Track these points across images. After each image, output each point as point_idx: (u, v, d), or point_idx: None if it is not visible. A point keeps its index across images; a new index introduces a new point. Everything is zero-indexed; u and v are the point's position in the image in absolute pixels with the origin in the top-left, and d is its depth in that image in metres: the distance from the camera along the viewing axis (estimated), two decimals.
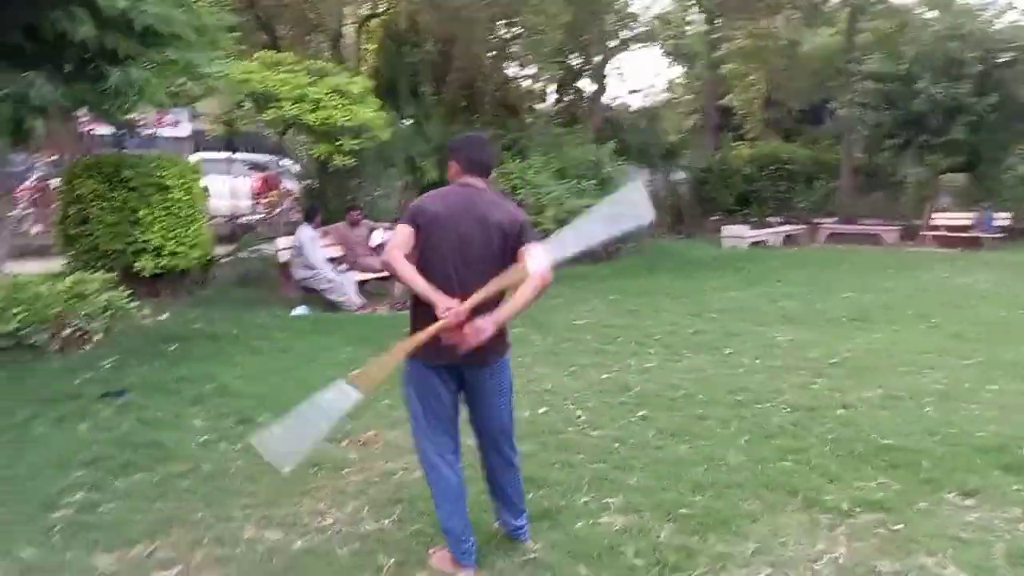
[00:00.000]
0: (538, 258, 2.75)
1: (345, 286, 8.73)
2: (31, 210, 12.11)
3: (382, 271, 9.39)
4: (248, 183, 15.71)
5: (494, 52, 16.38)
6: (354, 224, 9.74)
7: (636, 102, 20.34)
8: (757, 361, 6.29)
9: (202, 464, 3.98)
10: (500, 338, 2.84)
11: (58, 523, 3.25)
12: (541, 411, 4.99)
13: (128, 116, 7.67)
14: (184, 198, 8.46)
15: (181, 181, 8.44)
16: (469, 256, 2.84)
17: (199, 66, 7.74)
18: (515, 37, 18.03)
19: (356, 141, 10.07)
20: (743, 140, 23.20)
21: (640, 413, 4.91)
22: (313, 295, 8.73)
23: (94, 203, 8.06)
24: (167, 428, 4.48)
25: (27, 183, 12.64)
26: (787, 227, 17.54)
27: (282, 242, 9.14)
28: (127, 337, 6.66)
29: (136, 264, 8.12)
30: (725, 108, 24.06)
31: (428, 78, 12.38)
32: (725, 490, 3.67)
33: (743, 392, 5.34)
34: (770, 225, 17.82)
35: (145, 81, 7.25)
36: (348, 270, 9.06)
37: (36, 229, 11.95)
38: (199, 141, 19.88)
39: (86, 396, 5.03)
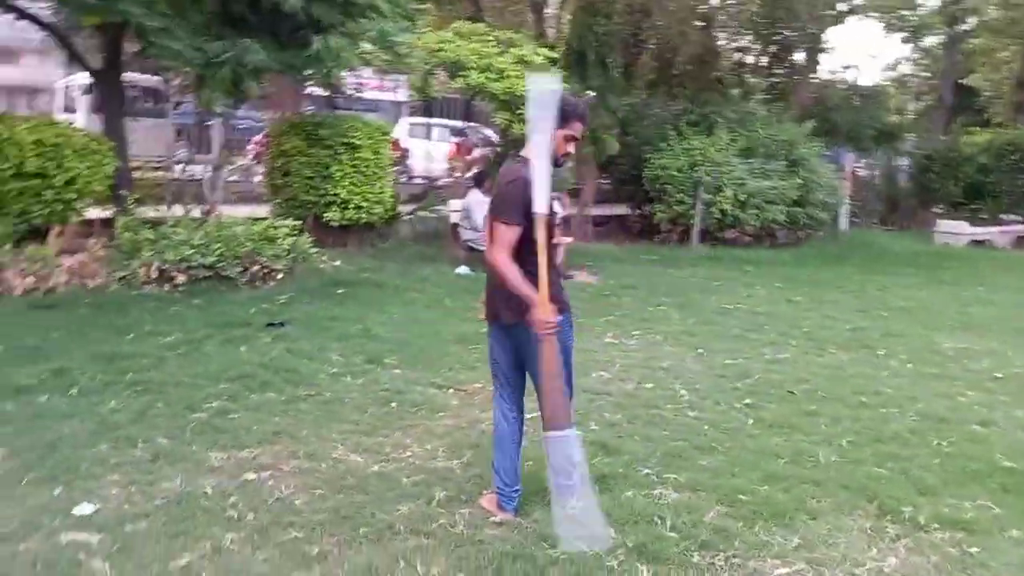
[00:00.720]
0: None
1: None
2: (256, 161, 13.75)
3: None
4: (445, 147, 16.69)
5: (699, 22, 15.95)
6: None
7: (853, 78, 18.68)
8: (908, 366, 5.85)
9: (324, 392, 4.52)
10: (510, 302, 3.01)
11: (193, 423, 3.90)
12: (647, 386, 5.05)
13: (331, 79, 8.44)
14: (371, 157, 9.26)
15: (370, 141, 9.24)
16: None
17: (390, 35, 8.38)
18: (724, 5, 17.41)
19: None
20: (984, 125, 20.71)
21: (747, 401, 4.81)
22: (477, 255, 9.24)
23: (295, 158, 9.07)
24: (307, 358, 5.09)
25: (257, 137, 14.35)
26: (1022, 227, 15.56)
27: (455, 204, 9.71)
28: (305, 278, 7.50)
29: (326, 215, 9.06)
30: (965, 88, 21.61)
31: (617, 49, 12.35)
32: (798, 485, 3.57)
33: (873, 395, 5.04)
34: (1001, 223, 15.90)
35: (341, 48, 7.99)
36: None
37: (258, 178, 13.58)
38: (413, 106, 21.31)
39: (255, 324, 5.82)
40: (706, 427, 4.32)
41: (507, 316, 3.09)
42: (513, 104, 10.32)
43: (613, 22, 12.01)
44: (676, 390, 4.98)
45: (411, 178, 16.06)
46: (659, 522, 3.14)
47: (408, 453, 3.74)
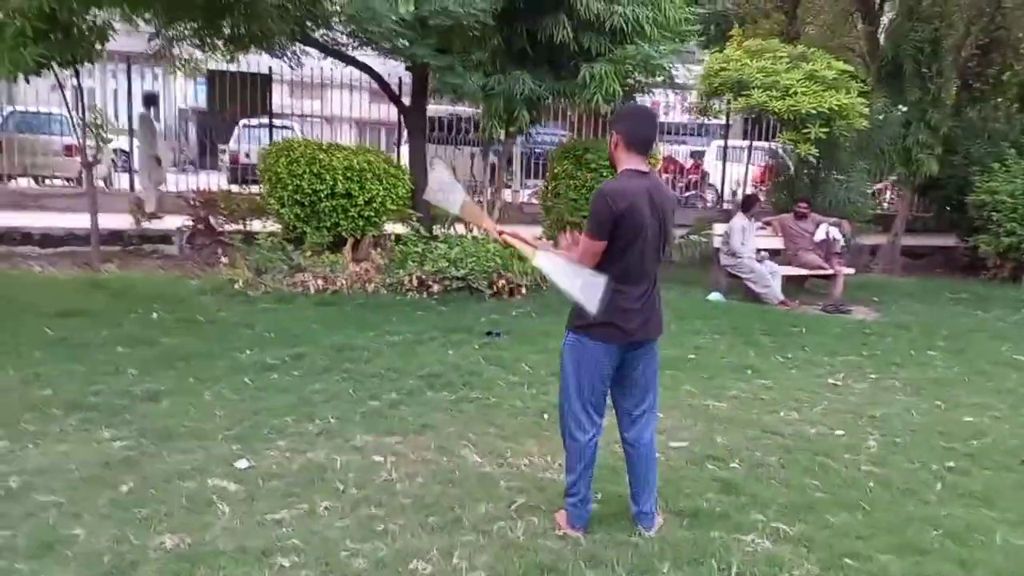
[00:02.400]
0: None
1: (767, 277, 8.67)
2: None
3: (822, 268, 9.03)
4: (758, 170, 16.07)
5: None
6: (800, 216, 9.47)
7: None
8: None
9: (492, 397, 4.89)
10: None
11: (366, 409, 4.53)
12: (837, 432, 4.59)
13: (594, 105, 8.79)
14: None
15: None
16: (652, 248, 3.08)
17: (654, 59, 8.51)
18: None
19: (824, 129, 9.69)
20: None
21: (951, 464, 4.15)
22: (737, 282, 8.91)
23: (563, 180, 9.63)
24: (499, 366, 5.51)
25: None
26: None
27: (718, 228, 9.46)
28: (549, 295, 7.96)
29: None
30: None
31: (940, 58, 10.90)
32: (934, 562, 3.03)
33: None
34: None
35: (605, 74, 8.35)
36: (765, 261, 8.91)
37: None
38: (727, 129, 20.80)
39: (475, 332, 6.40)
40: (872, 484, 3.83)
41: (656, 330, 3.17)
42: (799, 123, 9.77)
43: (936, 26, 10.65)
44: (868, 441, 4.43)
45: (712, 202, 15.80)
46: (723, 569, 2.93)
47: (525, 461, 3.93)
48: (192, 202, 9.05)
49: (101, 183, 13.18)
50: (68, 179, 13.00)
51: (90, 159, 8.67)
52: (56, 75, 8.44)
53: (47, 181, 13.20)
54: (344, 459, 3.82)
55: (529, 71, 8.64)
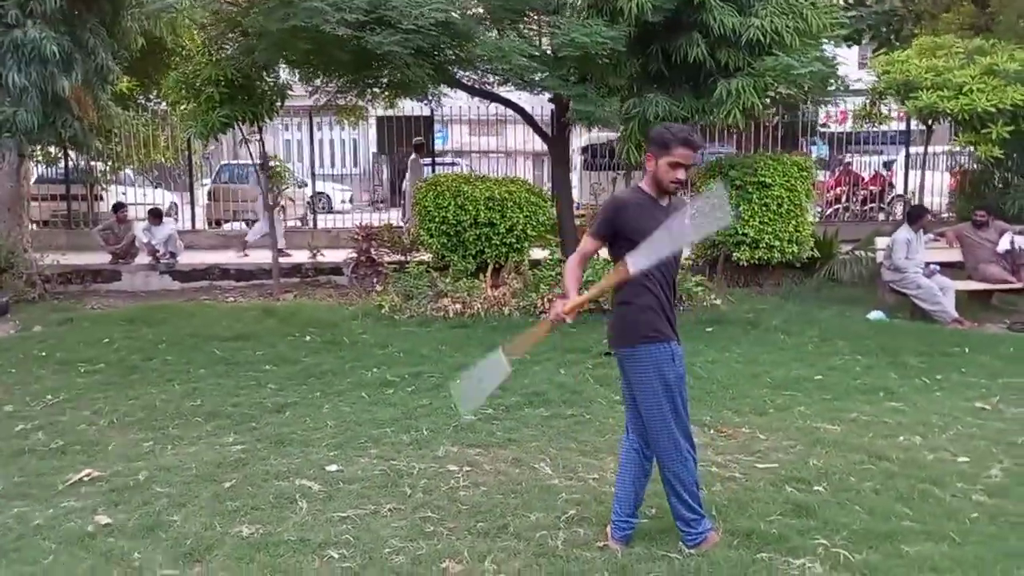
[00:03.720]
0: (636, 261, 2.87)
1: (937, 294, 7.90)
2: None
3: (1007, 281, 8.11)
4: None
5: None
6: (979, 225, 8.56)
7: None
8: None
9: (586, 415, 4.94)
10: (614, 327, 3.13)
11: (463, 424, 4.75)
12: (960, 459, 4.18)
13: (731, 121, 8.56)
14: (785, 195, 9.03)
15: (783, 179, 9.04)
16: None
17: (794, 69, 8.17)
18: None
19: (1009, 128, 8.76)
20: None
21: None
22: (904, 299, 8.21)
23: None
24: (604, 385, 5.53)
25: None
26: None
27: (881, 242, 8.77)
28: (685, 315, 7.81)
29: (735, 254, 9.17)
30: None
31: None
32: None
33: None
34: None
35: (742, 89, 8.14)
36: (935, 275, 8.10)
37: None
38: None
39: (593, 351, 6.44)
40: (976, 515, 3.45)
41: (616, 341, 3.18)
42: (977, 123, 8.90)
43: None
44: (991, 471, 3.97)
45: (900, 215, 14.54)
46: None
47: (595, 475, 3.96)
48: (356, 236, 9.89)
49: (298, 222, 14.79)
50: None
51: (271, 203, 9.80)
52: (242, 131, 9.68)
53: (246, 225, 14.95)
54: (422, 467, 4.07)
55: (667, 92, 8.61)
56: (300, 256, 10.76)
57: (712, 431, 4.68)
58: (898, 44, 11.58)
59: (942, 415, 4.88)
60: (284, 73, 9.67)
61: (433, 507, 3.59)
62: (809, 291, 9.13)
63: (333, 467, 4.08)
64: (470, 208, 8.97)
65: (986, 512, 3.47)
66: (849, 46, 12.93)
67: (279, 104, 9.60)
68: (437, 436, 4.56)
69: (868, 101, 10.39)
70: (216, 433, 4.66)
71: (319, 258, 10.47)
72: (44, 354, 6.57)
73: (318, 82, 9.37)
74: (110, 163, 14.02)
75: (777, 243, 9.07)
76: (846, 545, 3.16)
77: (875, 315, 8.03)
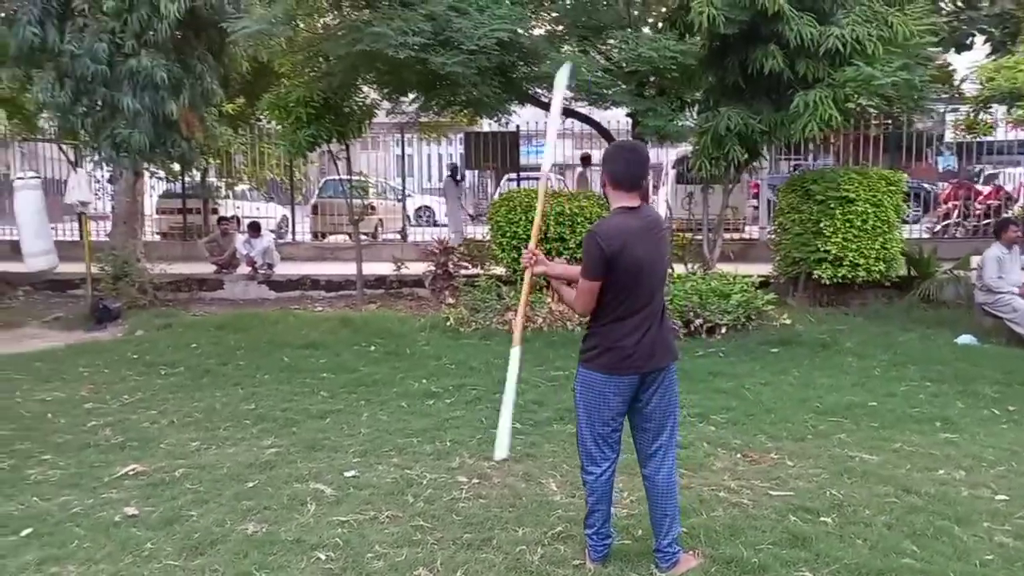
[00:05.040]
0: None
1: None
2: None
3: None
4: None
5: None
6: None
7: None
8: None
9: None
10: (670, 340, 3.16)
11: (487, 436, 4.83)
12: (999, 496, 3.88)
13: (807, 135, 8.22)
14: (870, 211, 8.60)
15: (868, 194, 8.60)
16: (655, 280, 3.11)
17: (875, 79, 7.81)
18: None
19: None
20: None
21: None
22: (999, 324, 7.64)
23: (788, 215, 9.09)
24: None
25: None
26: None
27: (975, 260, 8.19)
28: (751, 334, 7.60)
29: (816, 272, 8.80)
30: None
31: None
32: None
33: None
34: None
35: (820, 100, 7.85)
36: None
37: None
38: None
39: None
40: (990, 557, 3.25)
41: (670, 355, 3.18)
42: None
43: None
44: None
45: None
46: None
47: (625, 493, 3.94)
48: (434, 250, 10.19)
49: (397, 235, 15.35)
50: (366, 234, 15.27)
51: (355, 217, 10.27)
52: (330, 150, 10.21)
53: (348, 237, 15.66)
54: (433, 477, 4.20)
55: (746, 104, 8.42)
56: (386, 268, 11.18)
57: (739, 455, 4.56)
58: (1013, 49, 10.76)
59: (999, 450, 4.55)
60: (373, 93, 10.14)
61: (429, 516, 3.71)
62: (898, 312, 8.64)
63: (351, 473, 4.28)
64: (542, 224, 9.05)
65: (1004, 555, 3.23)
66: (959, 52, 12.16)
67: (367, 123, 10.07)
68: (458, 448, 4.68)
69: (971, 111, 9.71)
70: (259, 436, 4.97)
71: (403, 270, 10.84)
72: (135, 356, 7.18)
73: (400, 101, 9.79)
74: (225, 179, 15.11)
75: (863, 261, 8.64)
76: None
77: (964, 339, 7.50)
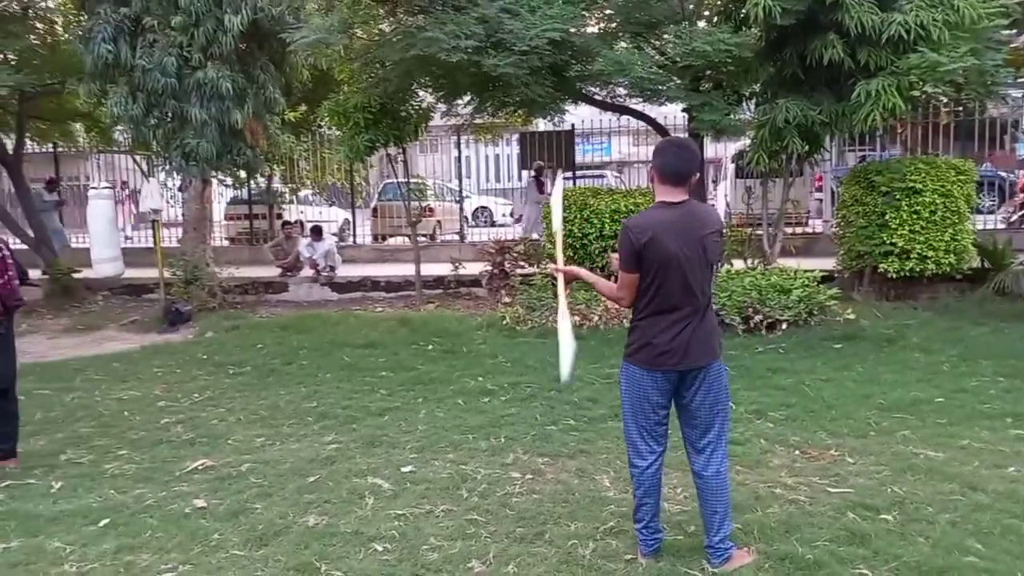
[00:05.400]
0: None
1: None
2: None
3: None
4: None
5: None
6: None
7: None
8: None
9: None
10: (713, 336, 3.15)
11: (536, 431, 4.89)
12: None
13: (868, 125, 7.98)
14: (939, 201, 8.32)
15: (936, 184, 8.32)
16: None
17: (941, 66, 7.56)
18: None
19: None
20: None
21: None
22: None
23: (852, 207, 8.86)
24: None
25: None
26: None
27: None
28: (813, 329, 7.44)
29: (882, 265, 8.56)
30: None
31: None
32: None
33: None
34: None
35: (883, 89, 7.64)
36: None
37: None
38: None
39: None
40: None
41: (712, 354, 3.17)
42: None
43: None
44: None
45: None
46: None
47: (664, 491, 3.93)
48: (490, 250, 10.28)
49: (457, 236, 15.52)
50: (424, 235, 15.48)
51: (413, 219, 10.44)
52: (388, 153, 10.40)
53: (408, 239, 15.89)
54: (488, 472, 4.27)
55: (805, 96, 8.26)
56: (445, 268, 11.33)
57: (797, 452, 4.49)
58: None
59: None
60: (428, 96, 10.29)
61: (483, 511, 3.77)
62: (970, 306, 8.32)
63: (408, 468, 4.38)
64: (595, 221, 9.08)
65: None
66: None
67: (423, 126, 10.24)
68: (512, 444, 4.73)
69: None
70: (321, 432, 5.12)
71: (460, 270, 10.96)
72: (205, 357, 7.48)
73: (455, 104, 9.90)
74: (289, 185, 15.53)
75: (931, 253, 8.37)
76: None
77: None
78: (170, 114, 9.65)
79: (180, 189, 12.86)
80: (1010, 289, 8.71)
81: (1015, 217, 12.50)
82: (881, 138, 12.87)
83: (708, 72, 8.90)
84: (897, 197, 8.41)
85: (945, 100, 11.35)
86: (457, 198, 16.20)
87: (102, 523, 3.75)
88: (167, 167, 10.73)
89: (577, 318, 8.08)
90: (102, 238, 10.95)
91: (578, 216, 9.09)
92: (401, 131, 9.86)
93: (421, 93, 10.01)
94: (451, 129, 13.33)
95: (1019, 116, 14.15)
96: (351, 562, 3.30)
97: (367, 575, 3.16)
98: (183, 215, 11.72)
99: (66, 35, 11.71)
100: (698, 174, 3.13)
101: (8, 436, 4.66)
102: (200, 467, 4.51)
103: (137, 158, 14.80)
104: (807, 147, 8.48)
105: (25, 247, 11.22)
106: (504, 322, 8.20)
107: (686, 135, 9.97)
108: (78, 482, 4.32)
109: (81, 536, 3.62)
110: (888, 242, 8.45)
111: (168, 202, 13.10)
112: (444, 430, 5.04)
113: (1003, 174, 14.20)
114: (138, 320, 9.63)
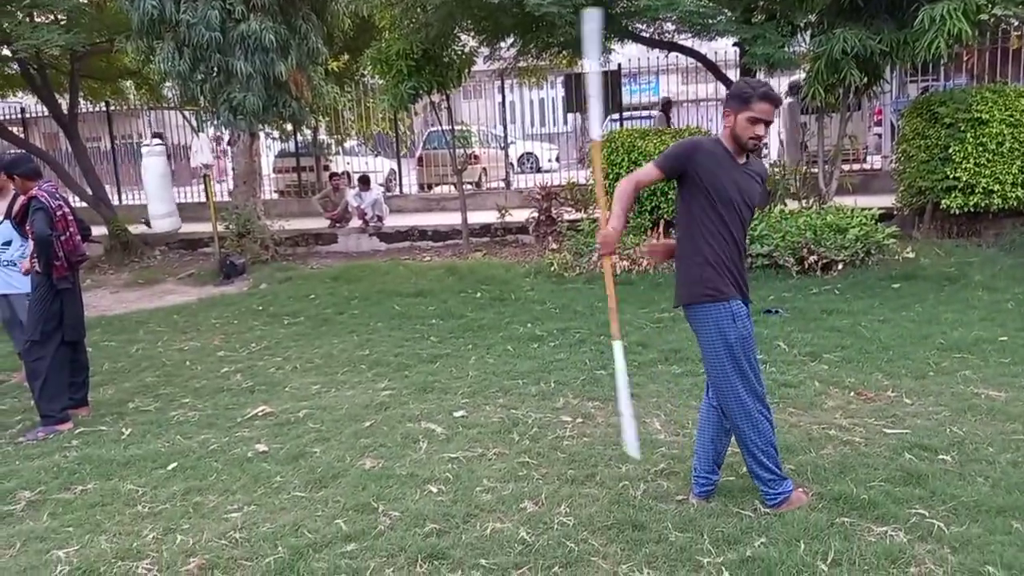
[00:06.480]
0: None
1: None
2: None
3: None
4: None
5: None
6: None
7: None
8: None
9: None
10: (677, 282, 3.12)
11: (590, 378, 4.90)
12: None
13: (934, 54, 7.60)
14: (1007, 132, 7.93)
15: (1005, 113, 7.93)
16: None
17: None
18: None
19: None
20: None
21: None
22: None
23: (912, 141, 8.52)
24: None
25: None
26: None
27: None
28: (871, 269, 7.26)
29: (944, 201, 8.25)
30: None
31: None
32: None
33: None
34: None
35: (948, 14, 7.25)
36: None
37: None
38: None
39: (755, 309, 6.23)
40: None
41: (676, 299, 3.16)
42: None
43: None
44: None
45: None
46: (818, 552, 2.72)
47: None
48: (537, 196, 10.21)
49: (504, 183, 15.43)
50: (469, 183, 15.43)
51: (459, 167, 10.40)
52: (432, 101, 10.32)
53: (454, 188, 15.86)
54: (538, 416, 4.31)
55: (864, 24, 7.90)
56: (491, 216, 11.31)
57: (852, 393, 4.42)
58: None
59: None
60: (472, 41, 10.13)
61: (534, 454, 3.82)
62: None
63: (460, 413, 4.45)
64: (643, 163, 8.88)
65: None
66: None
67: (466, 72, 10.10)
68: (562, 388, 4.77)
69: None
70: (374, 379, 5.23)
71: (507, 218, 10.92)
72: (260, 308, 7.66)
73: (498, 47, 9.74)
74: (335, 136, 15.59)
75: (997, 187, 8.02)
76: (947, 516, 2.93)
77: None
78: (216, 68, 9.70)
79: (229, 143, 13.03)
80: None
81: None
82: (946, 67, 12.24)
83: (761, 3, 8.57)
84: (962, 128, 8.05)
85: (1016, 23, 10.74)
86: (502, 144, 16.07)
87: (170, 467, 3.92)
88: (215, 122, 10.85)
89: (626, 263, 8.02)
90: (158, 194, 11.20)
91: (625, 159, 8.93)
92: (444, 77, 9.76)
93: (463, 37, 9.87)
94: (495, 74, 13.12)
95: None
96: (407, 503, 3.39)
97: (423, 515, 3.24)
98: (233, 169, 11.89)
99: None
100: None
101: (80, 386, 4.87)
102: (260, 414, 4.66)
103: (187, 114, 14.99)
104: (866, 79, 8.13)
105: (84, 205, 11.54)
106: (552, 268, 8.18)
107: (738, 71, 9.67)
108: (146, 428, 4.51)
109: (152, 479, 3.79)
110: (952, 176, 8.12)
111: (217, 156, 13.28)
112: (494, 376, 5.10)
113: None
114: (195, 273, 9.89)
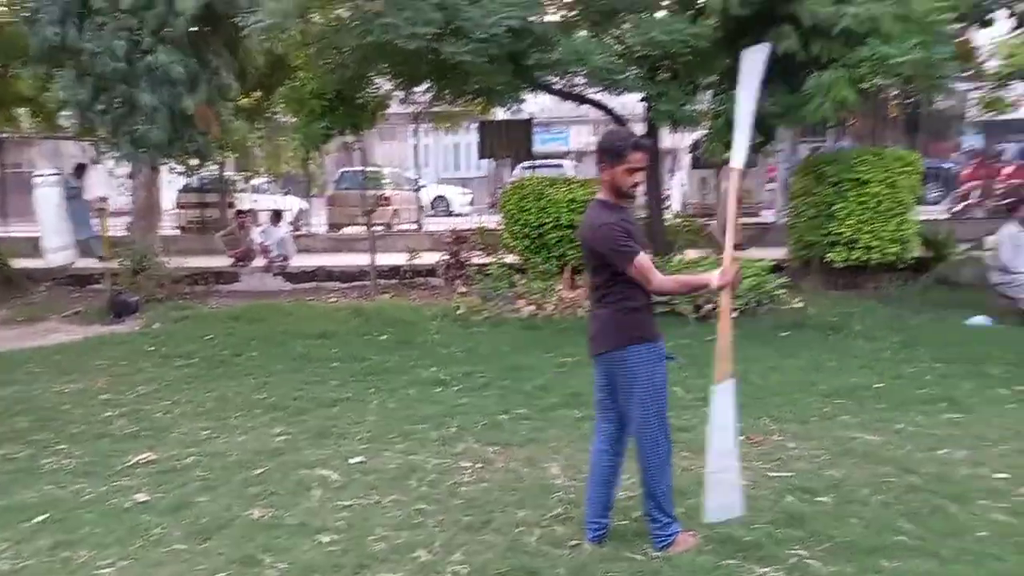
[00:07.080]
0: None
1: None
2: None
3: None
4: None
5: None
6: None
7: None
8: None
9: None
10: (601, 329, 3.18)
11: (487, 421, 4.90)
12: (998, 476, 3.85)
13: (820, 117, 8.13)
14: (885, 192, 8.52)
15: (883, 175, 8.52)
16: None
17: (891, 58, 7.70)
18: None
19: None
20: None
21: None
22: (1011, 305, 7.55)
23: (801, 198, 9.03)
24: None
25: None
26: None
27: (989, 240, 8.09)
28: (762, 318, 7.58)
29: (828, 255, 8.74)
30: None
31: None
32: None
33: None
34: None
35: (832, 82, 7.77)
36: None
37: None
38: None
39: None
40: (985, 533, 3.28)
41: (598, 346, 3.22)
42: None
43: None
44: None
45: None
46: None
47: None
48: (447, 239, 10.25)
49: (415, 225, 15.42)
50: (380, 224, 15.34)
51: (369, 208, 10.36)
52: (346, 141, 10.29)
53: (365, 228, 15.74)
54: (436, 462, 4.27)
55: (761, 87, 8.36)
56: (401, 258, 11.25)
57: (741, 437, 4.56)
58: None
59: (1003, 429, 4.52)
60: (387, 84, 10.17)
61: (431, 500, 3.78)
62: (913, 295, 8.56)
63: (357, 459, 4.36)
64: (552, 210, 9.10)
65: (998, 531, 3.24)
66: (983, 28, 11.93)
67: (380, 114, 10.13)
68: (463, 434, 4.74)
69: (991, 88, 9.55)
70: (269, 424, 5.07)
71: (417, 260, 10.90)
72: (152, 348, 7.33)
73: (413, 92, 9.81)
74: (243, 173, 15.28)
75: (876, 243, 8.58)
76: (824, 556, 3.06)
77: (977, 320, 7.44)
78: (119, 99, 9.39)
79: (129, 176, 12.56)
80: (951, 278, 8.99)
81: (959, 207, 12.87)
82: (834, 129, 13.12)
83: (666, 62, 8.98)
84: (845, 188, 8.60)
85: (895, 92, 11.59)
86: (415, 187, 16.12)
87: (38, 519, 3.67)
88: (116, 154, 10.46)
89: (532, 308, 8.12)
90: (52, 226, 10.64)
91: (534, 206, 9.10)
92: (358, 118, 9.78)
93: (379, 80, 9.91)
94: (409, 117, 13.22)
95: (964, 108, 14.53)
96: (296, 554, 3.28)
97: (311, 566, 3.14)
98: (132, 203, 11.45)
99: (10, 16, 11.32)
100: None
101: None
102: (143, 461, 4.43)
103: (84, 145, 14.40)
104: (761, 138, 8.60)
105: None
106: (459, 312, 8.19)
107: (644, 125, 10.05)
108: (14, 478, 4.22)
109: (17, 532, 3.54)
110: (836, 232, 8.64)
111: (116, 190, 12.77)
112: (395, 420, 5.03)
113: (946, 166, 14.59)
114: (83, 311, 9.39)
